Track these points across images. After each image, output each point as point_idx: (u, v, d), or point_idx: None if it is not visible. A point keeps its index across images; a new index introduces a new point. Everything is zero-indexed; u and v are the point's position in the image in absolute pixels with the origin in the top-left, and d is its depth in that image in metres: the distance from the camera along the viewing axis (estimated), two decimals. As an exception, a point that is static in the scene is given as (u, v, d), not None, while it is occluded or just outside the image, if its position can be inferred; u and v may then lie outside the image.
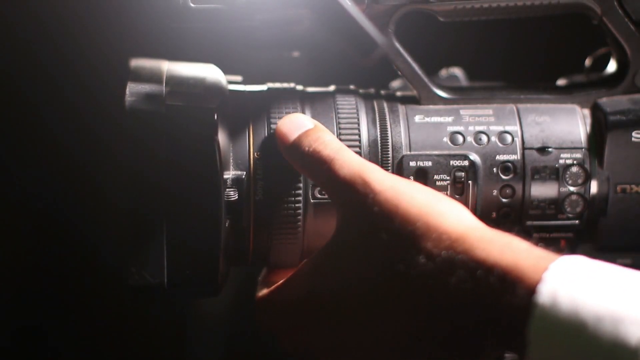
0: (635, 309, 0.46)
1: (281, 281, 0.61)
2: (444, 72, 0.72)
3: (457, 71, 0.72)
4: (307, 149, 0.59)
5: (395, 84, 0.72)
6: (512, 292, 0.49)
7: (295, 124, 0.61)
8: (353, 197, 0.57)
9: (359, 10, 0.61)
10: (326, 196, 0.62)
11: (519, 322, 0.48)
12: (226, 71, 0.65)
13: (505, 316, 0.49)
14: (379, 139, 0.63)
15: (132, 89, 0.60)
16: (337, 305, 0.56)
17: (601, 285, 0.48)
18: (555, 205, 0.63)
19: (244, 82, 0.67)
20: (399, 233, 0.54)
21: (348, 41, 0.62)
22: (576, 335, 0.47)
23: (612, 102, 0.64)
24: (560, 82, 0.71)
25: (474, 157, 0.62)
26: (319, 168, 0.58)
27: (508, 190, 0.63)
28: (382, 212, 0.55)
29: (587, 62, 0.72)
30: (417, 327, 0.53)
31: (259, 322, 0.62)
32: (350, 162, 0.58)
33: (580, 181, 0.63)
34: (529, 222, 0.63)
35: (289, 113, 0.63)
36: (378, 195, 0.55)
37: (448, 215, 0.54)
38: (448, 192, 0.62)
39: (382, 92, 0.67)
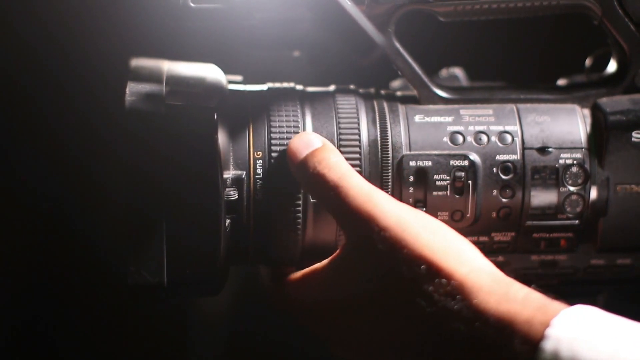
0: None
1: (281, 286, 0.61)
2: (444, 72, 0.72)
3: (457, 71, 0.72)
4: (311, 171, 0.59)
5: (395, 84, 0.72)
6: (510, 345, 0.50)
7: (304, 142, 0.60)
8: (357, 229, 0.57)
9: (358, 10, 0.61)
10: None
11: None
12: (226, 71, 0.65)
13: None
14: (379, 138, 0.63)
15: (132, 88, 0.60)
16: (341, 318, 0.57)
17: (602, 341, 0.48)
18: (555, 205, 0.63)
19: (244, 82, 0.67)
20: (401, 274, 0.54)
21: (348, 41, 0.62)
22: None
23: (612, 102, 0.64)
24: (560, 82, 0.71)
25: (474, 157, 0.62)
26: (323, 193, 0.58)
27: (508, 190, 0.63)
28: (386, 250, 0.55)
29: (587, 62, 0.72)
30: None
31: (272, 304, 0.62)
32: (355, 191, 0.57)
33: (580, 181, 0.63)
34: (529, 222, 0.63)
35: (289, 113, 0.63)
36: (383, 232, 0.55)
37: (452, 258, 0.54)
38: (448, 192, 0.62)
39: (382, 92, 0.67)
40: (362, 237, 0.56)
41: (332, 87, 0.66)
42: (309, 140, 0.60)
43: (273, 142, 0.62)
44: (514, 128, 0.63)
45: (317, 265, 0.60)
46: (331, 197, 0.58)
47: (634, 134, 0.63)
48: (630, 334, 0.49)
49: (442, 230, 0.57)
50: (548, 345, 0.48)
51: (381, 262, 0.55)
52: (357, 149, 0.62)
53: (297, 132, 0.62)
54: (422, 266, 0.54)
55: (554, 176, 0.63)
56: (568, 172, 0.63)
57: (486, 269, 0.55)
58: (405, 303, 0.54)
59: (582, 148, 0.63)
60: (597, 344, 0.48)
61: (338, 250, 0.59)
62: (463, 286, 0.53)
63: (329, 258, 0.59)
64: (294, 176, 0.61)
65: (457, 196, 0.62)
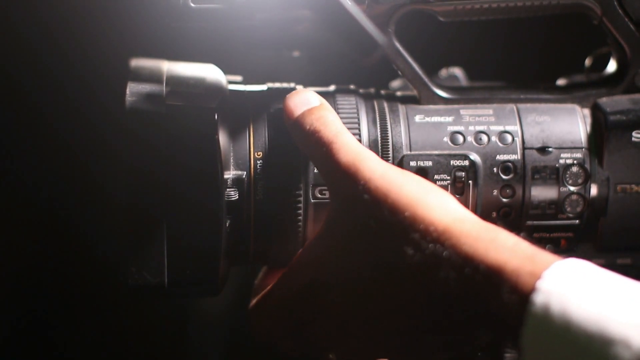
0: (625, 326, 0.46)
1: (274, 281, 0.61)
2: (444, 72, 0.72)
3: (457, 71, 0.72)
4: (308, 127, 0.59)
5: (395, 84, 0.72)
6: (498, 293, 0.49)
7: (302, 99, 0.61)
8: (345, 183, 0.57)
9: (359, 10, 0.61)
10: (326, 196, 0.62)
11: (511, 328, 0.49)
12: (226, 71, 0.65)
13: (496, 316, 0.50)
14: (379, 138, 0.63)
15: (133, 88, 0.60)
16: (333, 294, 0.57)
17: (594, 297, 0.47)
18: (556, 205, 0.63)
19: (244, 82, 0.67)
20: (387, 222, 0.54)
21: (349, 41, 0.62)
22: (568, 354, 0.47)
23: (612, 102, 0.64)
24: (560, 82, 0.71)
25: (474, 157, 0.62)
26: (318, 149, 0.58)
27: (508, 190, 0.63)
28: (371, 200, 0.55)
29: (587, 62, 0.72)
30: (411, 315, 0.54)
31: (255, 331, 0.61)
32: (347, 148, 0.58)
33: (580, 181, 0.63)
34: (529, 222, 0.63)
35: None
36: (368, 183, 0.56)
37: (436, 206, 0.54)
38: (448, 192, 0.62)
39: (382, 92, 0.67)
40: (348, 191, 0.56)
41: (332, 87, 0.66)
42: (307, 98, 0.61)
43: (273, 142, 0.62)
44: (514, 128, 0.63)
45: (306, 244, 0.59)
46: (323, 152, 0.58)
47: (634, 133, 0.63)
48: (623, 290, 0.48)
49: (426, 184, 0.57)
50: (539, 298, 0.48)
51: (367, 212, 0.55)
52: (357, 149, 0.62)
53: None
54: (407, 214, 0.54)
55: (554, 176, 0.63)
56: (568, 172, 0.63)
57: (470, 218, 0.55)
58: (394, 252, 0.54)
59: (582, 148, 0.63)
60: (589, 301, 0.47)
61: (322, 227, 0.58)
62: (450, 232, 0.52)
63: (317, 233, 0.58)
64: (293, 173, 0.61)
65: (457, 196, 0.62)
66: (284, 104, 0.61)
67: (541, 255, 0.51)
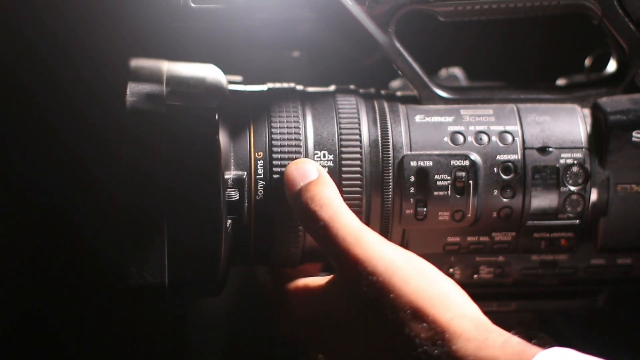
0: None
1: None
2: (443, 72, 0.72)
3: (456, 71, 0.72)
4: (304, 205, 0.59)
5: (395, 84, 0.72)
6: None
7: (301, 172, 0.60)
8: (346, 271, 0.57)
9: (360, 10, 0.61)
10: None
11: None
12: (226, 71, 0.65)
13: None
14: (379, 138, 0.63)
15: (133, 89, 0.60)
16: (330, 334, 0.59)
17: None
18: (556, 205, 0.63)
19: (244, 82, 0.67)
20: (385, 318, 0.55)
21: (350, 41, 0.62)
22: None
23: (612, 102, 0.64)
24: (560, 82, 0.71)
25: (474, 156, 0.62)
26: (314, 230, 0.59)
27: (508, 190, 0.63)
28: (372, 296, 0.56)
29: (587, 62, 0.72)
30: None
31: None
32: (345, 232, 0.58)
33: (580, 181, 0.63)
34: (529, 222, 0.63)
35: (290, 113, 0.63)
36: (370, 277, 0.56)
37: (438, 302, 0.55)
38: (449, 192, 0.62)
39: (383, 92, 0.67)
40: (350, 278, 0.57)
41: (332, 87, 0.66)
42: (305, 171, 0.60)
43: (274, 142, 0.62)
44: (515, 128, 0.63)
45: (317, 279, 0.60)
46: (322, 235, 0.58)
47: (634, 133, 0.63)
48: None
49: (431, 274, 0.57)
50: None
51: (367, 304, 0.56)
52: (357, 149, 0.62)
53: (298, 132, 0.62)
54: (408, 311, 0.55)
55: (554, 176, 0.63)
56: (568, 172, 0.63)
57: (470, 315, 0.55)
58: (387, 344, 0.55)
59: (582, 148, 0.63)
60: None
61: (334, 275, 0.59)
62: (445, 332, 0.54)
63: (327, 278, 0.60)
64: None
65: (457, 196, 0.62)
66: (284, 174, 0.61)
67: (530, 348, 0.52)
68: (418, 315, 0.55)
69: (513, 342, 0.53)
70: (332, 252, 0.58)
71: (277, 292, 0.63)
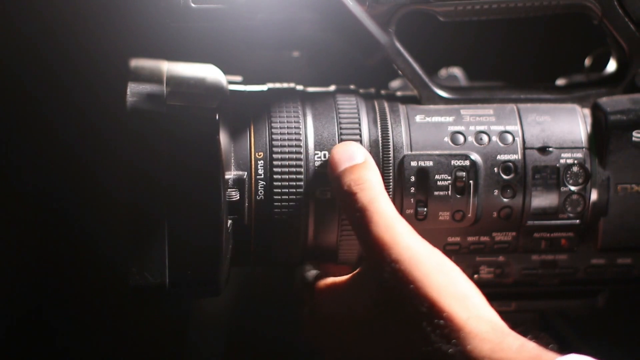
0: None
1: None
2: (443, 72, 0.72)
3: (456, 71, 0.72)
4: (346, 187, 0.59)
5: (395, 84, 0.72)
6: None
7: (347, 154, 0.61)
8: (372, 255, 0.57)
9: (361, 10, 0.62)
10: (327, 196, 0.62)
11: None
12: (226, 71, 0.65)
13: None
14: (380, 138, 0.63)
15: (133, 89, 0.60)
16: (349, 333, 0.59)
17: None
18: (556, 205, 0.63)
19: (244, 82, 0.67)
20: (405, 309, 0.55)
21: (351, 41, 0.62)
22: None
23: (612, 101, 0.64)
24: (560, 81, 0.71)
25: (475, 156, 0.62)
26: (353, 212, 0.59)
27: (509, 190, 0.63)
28: (394, 284, 0.56)
29: (587, 62, 0.72)
30: None
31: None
32: (379, 217, 0.58)
33: (580, 181, 0.63)
34: (529, 222, 0.63)
35: (290, 113, 0.63)
36: (394, 265, 0.56)
37: (456, 301, 0.55)
38: (449, 192, 0.62)
39: (383, 92, 0.67)
40: (375, 264, 0.57)
41: (332, 87, 0.66)
42: (352, 153, 0.61)
43: (274, 142, 0.62)
44: (515, 128, 0.63)
45: (344, 277, 0.60)
46: (357, 217, 0.58)
47: (634, 133, 0.63)
48: None
49: (454, 274, 0.57)
50: None
51: (387, 292, 0.56)
52: (358, 149, 0.62)
53: (298, 132, 0.62)
54: (426, 305, 0.55)
55: (554, 176, 0.63)
56: (569, 172, 0.63)
57: (487, 318, 0.55)
58: (403, 336, 0.55)
59: (582, 148, 0.63)
60: None
61: (359, 268, 0.59)
62: (460, 331, 0.54)
63: (353, 273, 0.60)
64: (294, 173, 0.61)
65: (458, 196, 0.62)
66: (330, 154, 0.61)
67: (546, 354, 0.52)
68: (435, 310, 0.54)
69: (529, 346, 0.53)
70: (363, 235, 0.58)
71: (305, 291, 0.63)
